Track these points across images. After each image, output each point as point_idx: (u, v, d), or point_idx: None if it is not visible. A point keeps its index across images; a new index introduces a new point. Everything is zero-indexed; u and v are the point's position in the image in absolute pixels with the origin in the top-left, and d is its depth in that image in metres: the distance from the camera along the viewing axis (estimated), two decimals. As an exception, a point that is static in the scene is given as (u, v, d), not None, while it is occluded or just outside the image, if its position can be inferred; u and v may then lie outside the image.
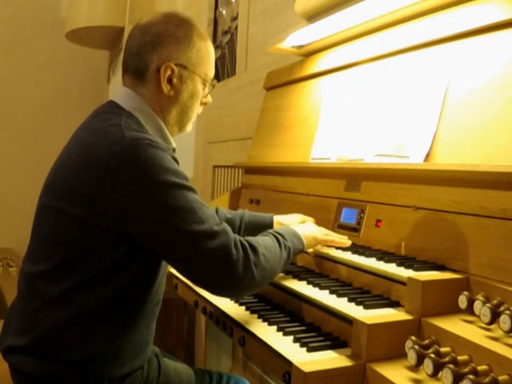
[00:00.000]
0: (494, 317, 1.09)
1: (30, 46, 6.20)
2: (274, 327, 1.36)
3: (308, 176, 2.08)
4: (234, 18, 3.71)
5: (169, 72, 1.39)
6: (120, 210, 1.25)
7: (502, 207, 1.26)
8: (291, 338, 1.29)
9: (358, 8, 1.80)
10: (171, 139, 1.47)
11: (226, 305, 1.57)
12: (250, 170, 2.60)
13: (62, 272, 1.30)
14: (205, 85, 1.49)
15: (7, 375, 1.37)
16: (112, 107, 1.40)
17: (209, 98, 1.54)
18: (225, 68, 3.98)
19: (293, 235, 1.50)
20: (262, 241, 1.37)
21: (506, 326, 1.05)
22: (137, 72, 1.41)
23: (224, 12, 3.95)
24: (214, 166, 3.82)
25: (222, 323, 1.54)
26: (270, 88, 2.65)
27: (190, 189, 1.28)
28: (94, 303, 1.29)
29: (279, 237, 1.43)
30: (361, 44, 2.00)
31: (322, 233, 1.63)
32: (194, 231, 1.23)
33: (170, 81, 1.41)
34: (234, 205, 2.63)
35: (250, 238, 1.35)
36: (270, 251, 1.35)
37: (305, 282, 1.51)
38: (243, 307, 1.54)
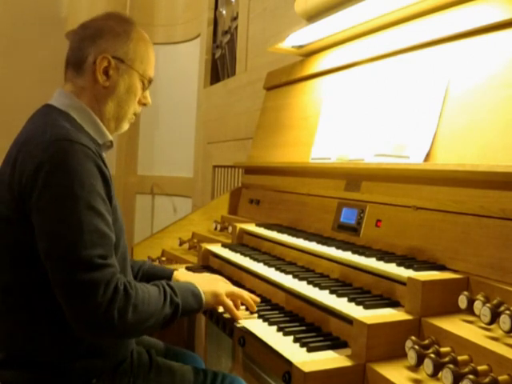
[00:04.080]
0: (494, 317, 1.09)
1: (29, 45, 6.20)
2: (274, 327, 1.36)
3: (308, 176, 2.08)
4: (234, 18, 3.71)
5: (105, 63, 1.42)
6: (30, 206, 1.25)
7: (501, 207, 1.26)
8: (291, 338, 1.29)
9: (358, 8, 1.80)
10: (107, 132, 1.47)
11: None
12: (250, 170, 2.60)
13: (15, 282, 1.31)
14: (143, 83, 1.50)
15: None
16: (45, 108, 1.42)
17: (148, 99, 1.55)
18: (225, 68, 3.98)
19: (190, 292, 1.40)
20: (146, 291, 1.30)
21: (506, 326, 1.05)
22: (76, 64, 1.44)
23: (224, 12, 3.95)
24: (214, 166, 3.82)
25: (221, 323, 1.54)
26: (270, 88, 2.65)
27: (92, 208, 1.24)
28: (54, 304, 1.28)
29: (169, 291, 1.35)
30: (361, 44, 2.00)
31: (226, 293, 1.48)
32: (70, 253, 1.20)
33: (106, 72, 1.43)
34: (234, 205, 2.63)
35: (133, 284, 1.28)
36: (148, 305, 1.27)
37: (305, 282, 1.51)
38: (243, 307, 1.54)
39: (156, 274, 1.68)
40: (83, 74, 1.43)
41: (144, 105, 1.55)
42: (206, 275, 1.74)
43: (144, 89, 1.52)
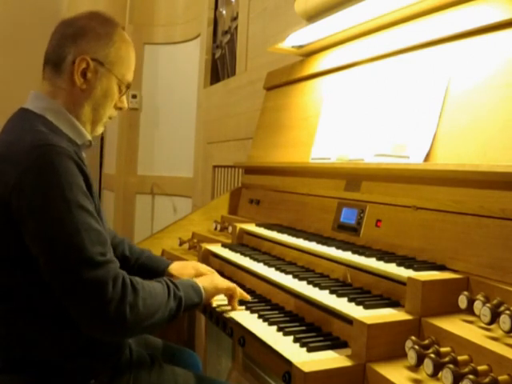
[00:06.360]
0: (494, 317, 1.09)
1: (29, 46, 6.19)
2: (274, 327, 1.36)
3: (308, 176, 2.08)
4: (234, 18, 3.71)
5: (83, 65, 1.39)
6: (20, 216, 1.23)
7: (501, 207, 1.26)
8: (291, 338, 1.29)
9: (358, 8, 1.80)
10: (85, 132, 1.44)
11: (225, 305, 1.57)
12: (250, 170, 2.60)
13: (12, 284, 1.30)
14: (120, 87, 1.48)
15: None
16: (21, 112, 1.39)
17: (124, 103, 1.53)
18: (225, 68, 3.98)
19: (190, 287, 1.44)
20: (151, 286, 1.33)
21: (506, 326, 1.04)
22: (54, 62, 1.41)
23: (224, 12, 3.95)
24: (214, 166, 3.82)
25: (222, 323, 1.54)
26: (270, 88, 2.65)
27: (83, 208, 1.24)
28: (52, 305, 1.29)
29: (171, 285, 1.38)
30: (361, 44, 2.00)
31: (224, 284, 1.56)
32: (70, 254, 1.20)
33: (84, 74, 1.40)
34: (234, 205, 2.63)
35: (137, 279, 1.30)
36: (155, 298, 1.30)
37: (305, 282, 1.51)
38: (243, 307, 1.54)
39: (152, 267, 1.72)
40: (61, 73, 1.40)
41: (120, 109, 1.52)
42: (202, 266, 1.76)
43: (121, 93, 1.49)
